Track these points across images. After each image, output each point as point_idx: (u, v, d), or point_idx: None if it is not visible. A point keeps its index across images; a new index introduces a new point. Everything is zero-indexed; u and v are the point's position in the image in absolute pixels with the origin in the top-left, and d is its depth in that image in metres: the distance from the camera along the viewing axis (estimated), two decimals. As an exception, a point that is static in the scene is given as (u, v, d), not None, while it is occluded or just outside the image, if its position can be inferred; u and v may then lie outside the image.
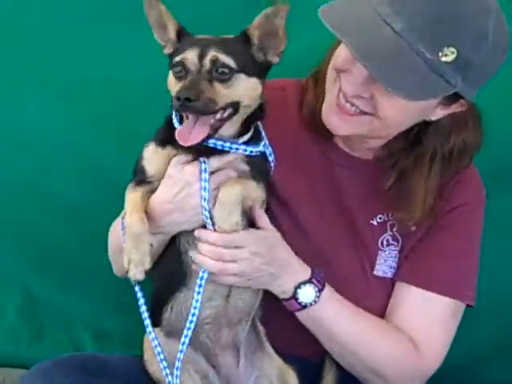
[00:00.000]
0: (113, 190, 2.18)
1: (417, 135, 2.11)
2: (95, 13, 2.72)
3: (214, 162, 1.91)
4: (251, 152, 1.93)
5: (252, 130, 1.94)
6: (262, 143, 1.96)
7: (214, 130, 1.83)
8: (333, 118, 2.03)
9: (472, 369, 2.77)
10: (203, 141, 1.82)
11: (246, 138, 1.93)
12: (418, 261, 2.20)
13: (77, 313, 2.93)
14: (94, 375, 1.94)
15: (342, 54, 1.99)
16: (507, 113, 2.59)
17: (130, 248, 1.87)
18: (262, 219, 1.97)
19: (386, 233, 2.20)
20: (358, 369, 2.15)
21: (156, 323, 2.02)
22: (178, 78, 1.82)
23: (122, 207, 2.12)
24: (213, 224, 1.91)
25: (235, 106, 1.83)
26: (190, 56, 1.80)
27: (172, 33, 1.89)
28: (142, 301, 1.96)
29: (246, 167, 1.93)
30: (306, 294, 2.04)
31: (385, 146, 2.16)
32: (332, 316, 2.08)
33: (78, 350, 2.85)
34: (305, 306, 2.05)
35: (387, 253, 2.21)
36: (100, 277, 2.60)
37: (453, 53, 1.82)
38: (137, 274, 1.87)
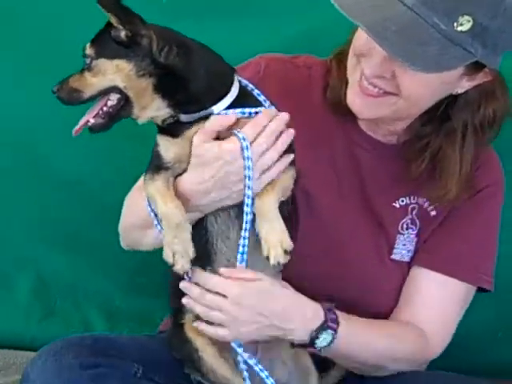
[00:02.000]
0: (124, 168, 2.16)
1: (444, 112, 2.07)
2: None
3: (249, 132, 1.83)
4: (250, 114, 1.85)
5: (232, 93, 1.86)
6: (267, 104, 1.88)
7: (108, 118, 1.83)
8: (357, 102, 2.00)
9: (476, 346, 2.74)
10: (98, 130, 1.84)
11: (224, 103, 1.84)
12: (436, 245, 2.17)
13: (88, 292, 2.92)
14: (105, 355, 1.92)
15: (359, 38, 1.96)
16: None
17: (171, 239, 1.81)
18: (249, 272, 1.90)
19: (407, 216, 2.18)
20: (375, 372, 2.12)
21: (177, 306, 1.97)
22: None
23: (132, 185, 2.14)
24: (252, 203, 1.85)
25: (119, 92, 1.81)
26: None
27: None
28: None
29: None
30: (323, 339, 1.94)
31: (409, 130, 2.14)
32: (350, 346, 2.00)
33: (89, 330, 2.86)
34: (322, 348, 1.97)
35: (406, 236, 2.18)
36: (111, 256, 2.58)
37: (468, 21, 1.79)
38: (184, 264, 1.82)
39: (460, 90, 2.00)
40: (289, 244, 1.83)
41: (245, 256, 1.87)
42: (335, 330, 1.93)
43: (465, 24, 1.79)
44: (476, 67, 1.91)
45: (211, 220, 1.90)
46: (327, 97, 2.14)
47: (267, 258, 1.83)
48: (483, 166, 2.16)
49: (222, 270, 1.89)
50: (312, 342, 1.93)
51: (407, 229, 2.18)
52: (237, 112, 1.84)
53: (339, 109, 2.10)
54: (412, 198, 2.17)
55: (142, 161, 2.06)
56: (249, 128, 1.83)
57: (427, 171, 2.10)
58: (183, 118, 1.85)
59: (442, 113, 2.07)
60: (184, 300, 1.93)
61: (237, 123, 1.84)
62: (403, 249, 2.18)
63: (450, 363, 2.21)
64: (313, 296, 1.97)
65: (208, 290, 1.89)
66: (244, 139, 1.82)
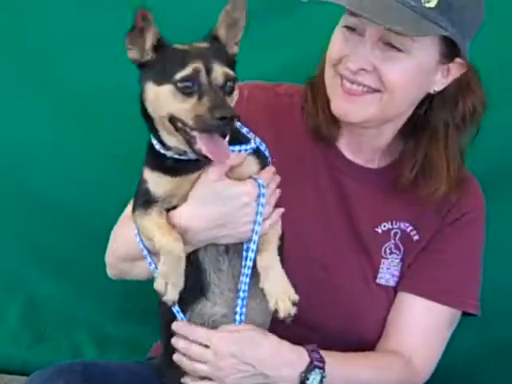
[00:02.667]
0: (113, 196, 2.19)
1: (424, 120, 2.14)
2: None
3: (264, 179, 1.89)
4: (246, 150, 1.88)
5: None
6: (256, 140, 1.92)
7: None
8: (343, 105, 2.06)
9: (468, 376, 2.78)
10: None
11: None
12: (420, 270, 2.20)
13: (78, 318, 2.95)
14: (95, 382, 1.92)
15: (334, 45, 2.07)
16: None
17: (167, 271, 1.82)
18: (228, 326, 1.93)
19: (390, 241, 2.21)
20: None
21: (167, 335, 1.99)
22: (187, 94, 1.72)
23: (121, 212, 2.15)
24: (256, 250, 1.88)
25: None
26: (199, 71, 1.72)
27: (150, 40, 1.79)
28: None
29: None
30: (313, 379, 1.97)
31: (389, 151, 2.21)
32: (338, 381, 2.04)
33: (79, 355, 2.88)
34: None
35: (390, 261, 2.21)
36: (101, 282, 2.53)
37: None
38: (175, 295, 1.83)
39: (437, 88, 2.08)
40: (295, 296, 1.87)
41: (245, 301, 1.90)
42: (323, 369, 1.97)
43: (431, 0, 1.93)
44: (450, 53, 2.02)
45: (202, 252, 1.92)
46: (306, 122, 2.19)
47: (276, 310, 1.85)
48: (464, 192, 2.20)
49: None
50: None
51: (391, 253, 2.21)
52: (235, 149, 1.86)
53: (319, 135, 2.17)
54: (394, 222, 2.21)
55: (132, 189, 2.07)
56: (264, 176, 1.89)
57: (417, 171, 2.15)
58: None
59: (421, 121, 2.14)
60: (174, 356, 1.96)
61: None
62: (387, 273, 2.21)
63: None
64: (301, 324, 1.97)
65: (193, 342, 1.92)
66: (263, 186, 1.87)
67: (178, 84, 1.72)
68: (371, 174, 2.22)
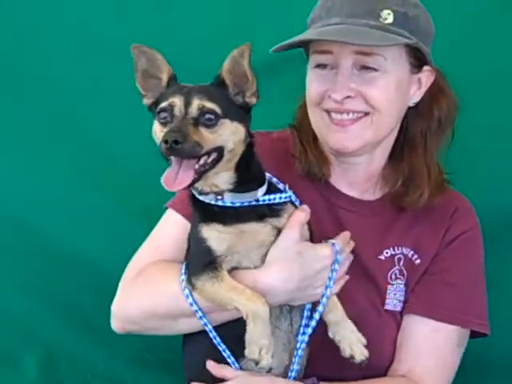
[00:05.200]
0: (128, 245, 2.22)
1: (404, 133, 2.25)
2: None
3: (340, 244, 1.99)
4: (285, 198, 1.97)
5: (266, 181, 1.96)
6: (288, 189, 2.00)
7: (199, 175, 1.81)
8: (339, 137, 2.12)
9: None
10: (189, 186, 1.80)
11: (264, 189, 1.94)
12: (424, 292, 2.23)
13: (96, 369, 2.93)
14: None
15: (312, 85, 2.15)
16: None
17: (260, 335, 1.83)
18: (226, 370, 1.97)
19: (395, 267, 2.24)
20: None
21: None
22: (163, 124, 1.82)
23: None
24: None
25: (219, 151, 1.83)
26: (176, 102, 1.81)
27: (165, 79, 1.90)
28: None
29: None
30: None
31: (383, 182, 2.28)
32: None
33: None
34: None
35: (395, 286, 2.24)
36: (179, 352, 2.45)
37: (389, 14, 2.06)
38: (269, 359, 1.84)
39: (415, 100, 2.20)
40: (364, 340, 1.98)
41: (300, 359, 1.98)
42: None
43: (388, 17, 2.06)
44: (418, 62, 2.14)
45: None
46: (297, 164, 2.24)
47: (351, 356, 1.95)
48: (458, 213, 2.27)
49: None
50: None
51: (396, 279, 2.24)
52: (275, 197, 1.95)
53: (312, 176, 2.23)
54: (396, 248, 2.25)
55: (142, 236, 2.18)
56: (341, 240, 2.00)
57: (403, 179, 2.23)
58: (227, 197, 1.89)
59: (402, 136, 2.25)
60: None
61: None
62: (394, 298, 2.24)
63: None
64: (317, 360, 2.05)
65: None
66: (338, 252, 1.97)
67: (159, 115, 1.84)
68: (368, 205, 2.28)
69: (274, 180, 2.00)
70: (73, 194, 2.88)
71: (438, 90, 2.24)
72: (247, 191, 1.91)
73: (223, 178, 1.89)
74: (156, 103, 1.88)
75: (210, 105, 1.81)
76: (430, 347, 2.19)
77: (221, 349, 1.95)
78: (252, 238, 1.92)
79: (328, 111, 2.12)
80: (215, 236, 1.89)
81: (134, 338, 2.40)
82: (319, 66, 2.12)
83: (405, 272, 2.24)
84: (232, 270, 1.92)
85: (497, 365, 2.70)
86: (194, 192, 1.92)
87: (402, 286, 2.23)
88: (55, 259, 2.90)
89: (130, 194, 2.85)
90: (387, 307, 2.23)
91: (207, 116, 1.81)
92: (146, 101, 1.92)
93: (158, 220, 2.25)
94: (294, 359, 1.97)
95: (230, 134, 1.84)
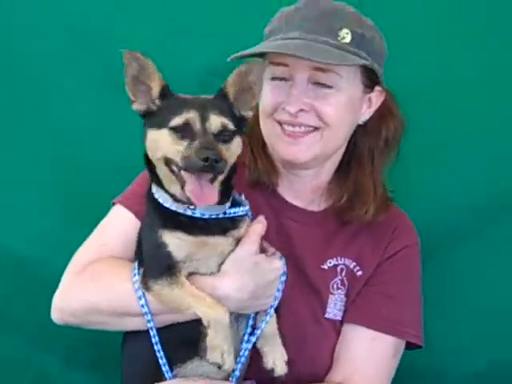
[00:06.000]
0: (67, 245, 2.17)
1: (351, 149, 2.30)
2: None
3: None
4: (246, 211, 2.02)
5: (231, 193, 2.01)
6: (245, 202, 2.05)
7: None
8: (291, 149, 2.17)
9: None
10: (216, 199, 1.85)
11: (229, 202, 1.99)
12: (364, 303, 2.28)
13: (28, 368, 2.84)
14: None
15: (267, 97, 2.17)
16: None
17: (221, 340, 1.87)
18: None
19: (337, 277, 2.28)
20: None
21: None
22: (181, 138, 1.84)
23: None
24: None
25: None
26: (193, 117, 1.84)
27: (156, 89, 1.91)
28: None
29: None
30: None
31: (329, 195, 2.32)
32: None
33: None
34: None
35: (336, 296, 2.28)
36: (110, 351, 2.35)
37: (347, 33, 2.10)
38: (231, 362, 1.89)
39: (364, 119, 2.26)
40: (286, 357, 2.03)
41: (242, 366, 2.03)
42: None
43: (346, 37, 2.10)
44: (370, 83, 2.20)
45: None
46: (246, 173, 2.27)
47: (272, 369, 2.01)
48: (399, 229, 2.34)
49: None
50: None
51: (337, 289, 2.28)
52: (235, 211, 1.99)
53: (260, 184, 2.27)
54: (339, 258, 2.30)
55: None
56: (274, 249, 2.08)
57: (348, 193, 2.28)
58: (200, 208, 1.91)
59: (349, 152, 2.30)
60: None
61: None
62: (335, 308, 2.28)
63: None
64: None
65: None
66: (282, 258, 2.05)
67: (173, 130, 1.85)
68: (313, 216, 2.32)
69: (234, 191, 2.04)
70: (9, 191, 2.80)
71: (386, 111, 2.30)
72: (218, 204, 1.93)
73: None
74: (152, 114, 1.90)
75: (226, 121, 1.86)
76: (367, 356, 2.23)
77: (158, 356, 1.97)
78: (213, 249, 1.96)
79: (280, 123, 2.17)
80: (176, 243, 1.92)
81: (62, 335, 2.36)
82: (275, 78, 2.16)
83: (346, 282, 2.28)
84: (189, 276, 1.94)
85: (429, 375, 2.76)
86: (162, 198, 1.94)
87: (343, 296, 2.28)
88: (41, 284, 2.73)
89: (76, 189, 2.78)
90: (328, 316, 2.27)
91: (226, 133, 1.86)
92: (137, 106, 1.93)
93: (98, 216, 2.24)
94: (236, 366, 2.00)
95: (237, 149, 1.91)
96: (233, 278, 1.96)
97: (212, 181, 1.86)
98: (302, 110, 2.13)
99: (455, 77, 2.64)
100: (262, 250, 2.06)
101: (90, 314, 2.07)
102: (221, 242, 1.96)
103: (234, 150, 1.90)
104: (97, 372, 2.74)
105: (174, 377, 1.98)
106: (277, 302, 2.03)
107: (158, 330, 1.98)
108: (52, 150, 2.76)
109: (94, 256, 2.13)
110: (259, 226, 2.02)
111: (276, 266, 2.03)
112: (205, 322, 1.87)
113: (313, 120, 2.14)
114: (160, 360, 1.96)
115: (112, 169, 2.67)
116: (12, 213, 2.77)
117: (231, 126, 1.87)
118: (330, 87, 2.12)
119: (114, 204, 2.24)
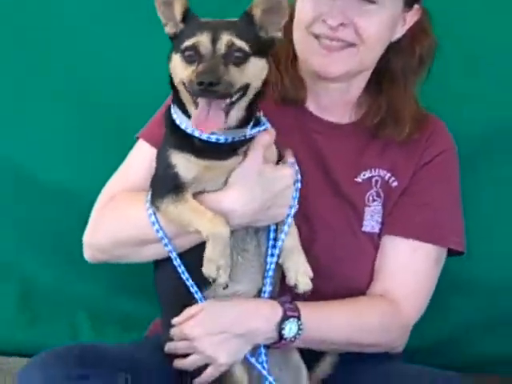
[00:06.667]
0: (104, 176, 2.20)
1: (384, 67, 2.25)
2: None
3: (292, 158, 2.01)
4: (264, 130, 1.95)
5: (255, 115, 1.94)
6: (265, 120, 1.98)
7: (226, 114, 1.81)
8: (325, 62, 2.12)
9: (464, 341, 2.83)
10: (221, 127, 1.80)
11: (251, 123, 1.93)
12: (402, 213, 2.24)
13: (74, 296, 2.94)
14: (93, 365, 1.92)
15: (306, 7, 2.12)
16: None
17: (218, 255, 1.85)
18: (191, 309, 1.99)
19: (372, 189, 2.25)
20: (356, 349, 2.18)
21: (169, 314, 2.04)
22: (189, 62, 1.80)
23: None
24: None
25: (245, 89, 1.83)
26: (203, 40, 1.78)
27: (178, 12, 1.86)
28: None
29: None
30: (290, 330, 2.00)
31: (359, 108, 2.29)
32: (317, 329, 2.07)
33: (76, 334, 2.88)
34: (294, 339, 2.02)
35: (373, 208, 2.24)
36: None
37: None
38: (226, 278, 1.87)
39: (397, 36, 2.20)
40: (311, 273, 1.99)
41: (271, 280, 2.00)
42: (298, 318, 2.00)
43: None
44: (411, 1, 2.16)
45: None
46: (272, 90, 2.20)
47: (295, 285, 1.97)
48: (434, 134, 2.29)
49: (173, 320, 1.99)
50: (281, 336, 2.00)
51: (373, 201, 2.24)
52: (255, 131, 1.93)
53: (287, 100, 2.23)
54: (373, 170, 2.25)
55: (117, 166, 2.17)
56: (290, 155, 2.01)
57: (382, 110, 2.24)
58: (220, 132, 1.86)
59: (382, 70, 2.26)
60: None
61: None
62: (372, 220, 2.24)
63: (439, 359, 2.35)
64: None
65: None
66: (293, 164, 1.98)
67: (184, 53, 1.81)
68: (343, 128, 2.28)
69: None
70: (48, 127, 2.86)
71: (420, 29, 2.24)
72: (240, 127, 1.89)
73: (235, 114, 1.87)
74: (176, 37, 1.85)
75: (238, 42, 1.79)
76: (408, 267, 2.21)
77: (184, 277, 1.96)
78: (222, 171, 1.92)
79: (317, 36, 2.11)
80: (185, 165, 1.89)
81: (110, 264, 2.40)
82: None
83: (382, 194, 2.24)
84: (196, 194, 1.92)
85: (472, 284, 2.76)
86: (180, 120, 1.91)
87: (380, 207, 2.24)
88: (30, 190, 2.89)
89: (105, 124, 2.83)
90: (365, 229, 2.23)
91: (236, 54, 1.79)
92: (167, 30, 1.89)
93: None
94: (265, 280, 2.00)
95: (257, 72, 1.84)
96: (237, 191, 1.91)
97: (228, 106, 1.80)
98: (341, 25, 2.07)
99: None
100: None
101: (114, 247, 2.08)
102: (231, 163, 1.92)
103: (249, 72, 1.82)
104: (146, 301, 2.75)
105: (204, 299, 1.98)
106: (293, 210, 1.97)
107: (182, 255, 1.97)
108: (79, 85, 2.82)
109: (118, 190, 2.14)
110: (265, 136, 1.95)
111: (283, 173, 1.96)
112: (204, 236, 1.85)
113: (351, 36, 2.09)
114: (186, 282, 1.96)
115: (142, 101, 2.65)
116: (47, 147, 2.85)
117: (245, 47, 1.79)
118: (373, 2, 2.07)
119: (137, 138, 2.23)
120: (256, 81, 1.85)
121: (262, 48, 1.86)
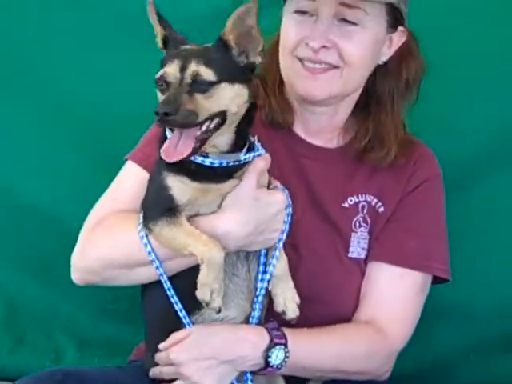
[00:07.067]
0: (92, 198, 2.19)
1: (371, 90, 2.26)
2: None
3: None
4: (259, 155, 1.96)
5: (248, 139, 1.95)
6: (259, 145, 1.98)
7: (201, 142, 1.80)
8: (309, 85, 2.13)
9: (447, 368, 2.82)
10: (188, 156, 1.79)
11: (245, 148, 1.93)
12: (388, 239, 2.24)
13: (59, 320, 2.93)
14: None
15: (289, 31, 2.13)
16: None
17: (213, 278, 1.85)
18: (179, 334, 1.97)
19: (358, 214, 2.25)
20: (342, 377, 2.17)
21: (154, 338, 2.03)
22: (161, 91, 1.81)
23: None
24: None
25: (222, 116, 1.82)
26: (171, 70, 1.79)
27: (160, 40, 1.90)
28: None
29: None
30: (277, 357, 1.99)
31: (346, 132, 2.28)
32: (304, 356, 2.06)
33: (60, 358, 2.86)
34: (281, 367, 2.01)
35: (359, 234, 2.24)
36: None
37: None
38: (220, 302, 1.87)
39: (383, 59, 2.21)
40: (298, 299, 2.00)
41: (260, 306, 2.00)
42: (285, 345, 1.99)
43: None
44: (394, 22, 2.17)
45: None
46: (261, 113, 2.21)
47: (283, 312, 1.98)
48: (420, 161, 2.29)
49: (160, 345, 1.97)
50: (267, 363, 1.98)
51: (360, 227, 2.24)
52: (250, 156, 1.93)
53: (275, 124, 2.23)
54: (360, 195, 2.25)
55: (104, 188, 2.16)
56: (275, 180, 2.02)
57: (369, 134, 2.25)
58: (214, 156, 1.88)
59: (369, 93, 2.25)
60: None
61: None
62: (358, 246, 2.24)
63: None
64: None
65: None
66: (284, 190, 1.98)
67: (158, 84, 1.82)
68: (331, 153, 2.28)
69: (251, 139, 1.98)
70: (35, 147, 2.87)
71: (407, 52, 2.25)
72: (233, 152, 1.90)
73: (224, 139, 1.88)
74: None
75: (204, 70, 1.78)
76: (394, 294, 2.21)
77: (173, 301, 1.95)
78: (217, 194, 1.92)
79: (301, 59, 2.12)
80: (179, 187, 1.88)
81: (96, 288, 2.39)
82: (299, 12, 2.10)
83: (368, 220, 2.24)
84: (190, 217, 1.91)
85: (455, 311, 2.75)
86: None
87: (366, 233, 2.24)
88: (16, 213, 2.88)
89: (93, 146, 2.84)
90: (351, 255, 2.23)
91: (200, 82, 1.77)
92: (159, 45, 1.92)
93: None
94: (254, 306, 1.99)
95: (231, 98, 1.81)
96: (232, 215, 1.91)
97: (204, 134, 1.79)
98: (324, 47, 2.09)
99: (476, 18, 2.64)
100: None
101: (104, 270, 2.06)
102: (225, 186, 1.92)
103: (219, 99, 1.80)
104: (128, 324, 2.76)
105: (193, 324, 1.96)
106: (284, 235, 1.98)
107: (172, 278, 1.96)
108: (66, 110, 2.83)
109: (107, 211, 2.12)
110: (261, 162, 1.95)
111: (276, 198, 1.97)
112: (199, 260, 1.85)
113: (334, 58, 2.10)
114: (175, 306, 1.95)
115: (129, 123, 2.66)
116: (39, 172, 2.85)
117: (209, 76, 1.78)
118: (354, 24, 2.08)
119: (126, 160, 2.22)
120: (232, 107, 1.83)
121: (238, 73, 1.84)
